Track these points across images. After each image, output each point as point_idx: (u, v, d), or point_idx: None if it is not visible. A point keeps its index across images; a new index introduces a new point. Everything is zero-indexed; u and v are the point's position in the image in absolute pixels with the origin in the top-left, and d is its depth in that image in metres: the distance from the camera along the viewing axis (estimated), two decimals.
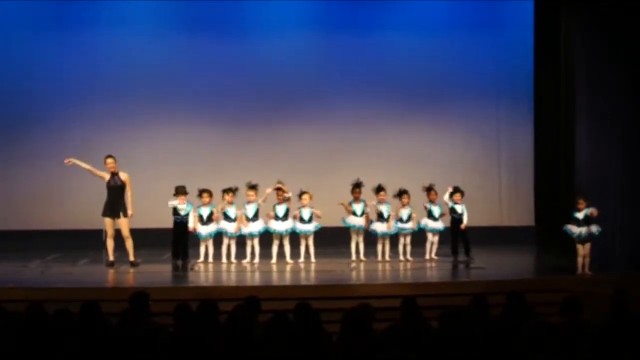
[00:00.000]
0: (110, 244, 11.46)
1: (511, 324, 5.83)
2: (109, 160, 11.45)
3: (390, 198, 12.19)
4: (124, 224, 11.37)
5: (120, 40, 14.21)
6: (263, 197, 11.86)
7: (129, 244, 11.45)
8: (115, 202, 11.41)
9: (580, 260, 10.75)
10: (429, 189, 12.34)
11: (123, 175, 11.48)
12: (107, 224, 11.44)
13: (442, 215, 12.35)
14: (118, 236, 11.47)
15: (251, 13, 14.56)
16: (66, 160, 11.48)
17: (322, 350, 5.30)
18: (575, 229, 10.79)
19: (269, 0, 14.46)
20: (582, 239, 10.74)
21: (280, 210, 11.80)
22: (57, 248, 13.11)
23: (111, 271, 11.26)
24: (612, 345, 5.38)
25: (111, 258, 11.47)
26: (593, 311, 6.70)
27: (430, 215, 12.33)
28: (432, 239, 12.28)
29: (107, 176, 11.46)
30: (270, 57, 14.41)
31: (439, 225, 12.32)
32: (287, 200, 11.82)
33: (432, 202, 12.34)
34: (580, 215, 10.81)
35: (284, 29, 14.49)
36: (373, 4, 14.63)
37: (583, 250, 10.74)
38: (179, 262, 11.73)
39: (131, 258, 11.49)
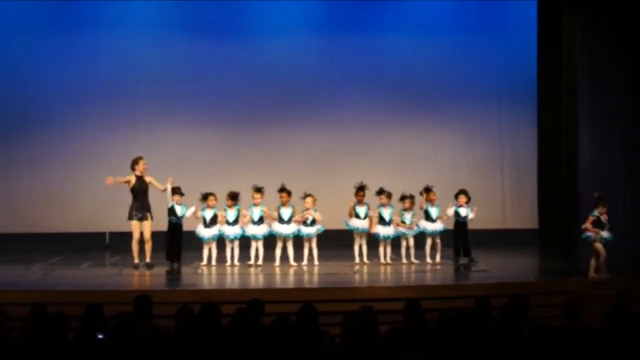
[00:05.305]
0: (135, 247, 11.51)
1: (512, 327, 5.82)
2: (144, 162, 11.52)
3: (394, 201, 12.17)
4: (147, 226, 11.48)
5: (121, 43, 14.23)
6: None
7: (149, 246, 11.51)
8: (142, 205, 11.48)
9: (594, 263, 10.58)
10: (427, 190, 12.27)
11: (148, 178, 11.58)
12: (134, 227, 11.47)
13: (440, 217, 12.26)
14: (127, 239, 11.58)
15: (253, 15, 14.58)
16: (108, 182, 11.54)
17: (324, 353, 5.29)
18: (604, 234, 10.70)
19: (271, 1, 14.49)
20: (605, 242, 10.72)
21: (285, 213, 11.78)
22: (59, 251, 13.13)
23: (116, 273, 11.32)
24: (612, 347, 5.37)
25: (136, 260, 11.54)
26: (595, 314, 6.68)
27: (428, 217, 12.24)
28: (435, 241, 12.21)
29: (133, 180, 11.48)
30: (272, 59, 14.42)
31: (438, 226, 12.23)
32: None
33: (430, 203, 12.27)
34: (604, 218, 10.74)
35: (285, 31, 14.50)
36: (375, 6, 14.63)
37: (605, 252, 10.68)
38: (175, 265, 11.62)
39: (147, 260, 11.53)
